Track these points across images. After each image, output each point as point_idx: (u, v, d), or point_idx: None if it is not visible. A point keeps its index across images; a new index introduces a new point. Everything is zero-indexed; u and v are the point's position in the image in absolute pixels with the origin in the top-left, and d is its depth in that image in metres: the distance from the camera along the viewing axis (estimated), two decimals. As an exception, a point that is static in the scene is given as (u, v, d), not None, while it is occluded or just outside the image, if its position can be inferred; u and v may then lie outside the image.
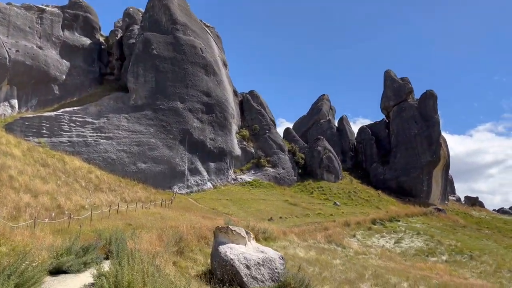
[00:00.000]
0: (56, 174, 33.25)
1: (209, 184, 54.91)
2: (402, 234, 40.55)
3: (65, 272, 11.13)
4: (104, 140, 48.43)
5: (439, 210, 58.24)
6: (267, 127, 67.34)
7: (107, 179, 39.96)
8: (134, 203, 30.65)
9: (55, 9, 60.75)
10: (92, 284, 10.01)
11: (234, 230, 14.09)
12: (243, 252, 13.66)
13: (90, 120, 49.51)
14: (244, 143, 63.72)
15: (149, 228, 20.87)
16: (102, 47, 65.89)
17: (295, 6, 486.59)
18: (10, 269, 7.68)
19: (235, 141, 62.35)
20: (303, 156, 67.54)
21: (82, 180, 35.01)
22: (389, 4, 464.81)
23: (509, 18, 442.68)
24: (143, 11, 68.23)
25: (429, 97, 77.79)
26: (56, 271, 10.93)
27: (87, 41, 62.78)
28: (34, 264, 8.91)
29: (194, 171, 53.67)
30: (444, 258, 32.87)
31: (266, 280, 13.22)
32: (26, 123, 45.22)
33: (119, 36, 68.64)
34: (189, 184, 52.49)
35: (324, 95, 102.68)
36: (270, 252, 14.38)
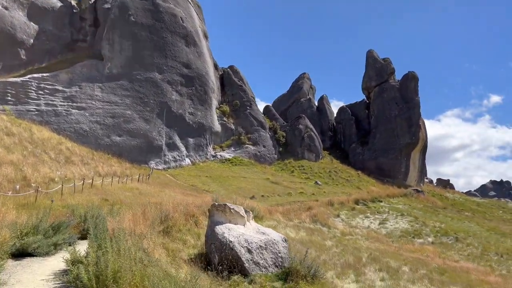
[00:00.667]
0: (22, 144, 30.36)
1: (187, 160, 52.71)
2: (386, 215, 39.89)
3: (31, 255, 9.18)
4: (76, 110, 45.24)
5: (418, 191, 58.26)
6: (248, 103, 65.19)
7: (79, 152, 37.20)
8: (109, 178, 28.33)
9: (22, -33, 55.72)
10: (65, 271, 8.01)
11: (233, 209, 12.25)
12: (243, 233, 11.86)
13: (60, 88, 46.06)
14: (224, 119, 61.48)
15: (128, 204, 18.83)
16: (74, 11, 61.28)
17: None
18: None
19: (215, 116, 60.03)
20: (284, 134, 66.00)
21: (51, 152, 32.20)
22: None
23: (481, 9, 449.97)
24: (119, -26, 63.76)
25: (411, 79, 77.21)
26: (20, 254, 8.99)
27: (57, 3, 58.20)
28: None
29: (172, 146, 51.28)
30: (430, 239, 32.25)
31: (269, 266, 11.50)
32: (-11, 88, 41.49)
33: (92, 0, 64.06)
34: (167, 159, 50.15)
35: (304, 73, 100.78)
36: (272, 234, 12.66)
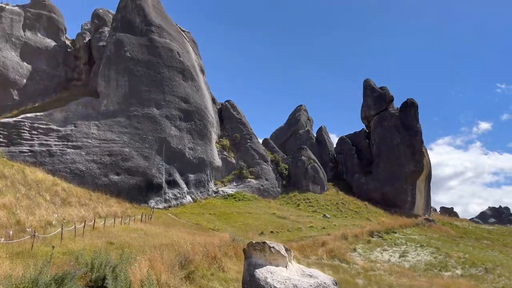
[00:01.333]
0: (15, 187, 28.06)
1: (188, 198, 50.30)
2: (404, 247, 37.46)
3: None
4: (72, 150, 43.12)
5: (429, 220, 55.99)
6: (248, 136, 63.59)
7: (76, 192, 34.83)
8: (110, 219, 25.97)
9: (16, 8, 55.27)
10: None
11: (273, 247, 10.15)
12: (288, 277, 9.73)
13: (55, 127, 44.16)
14: (225, 153, 59.61)
15: (137, 247, 16.52)
16: (68, 50, 60.56)
17: (269, 14, 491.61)
18: None
19: (215, 151, 58.16)
20: (287, 167, 64.03)
21: (46, 193, 29.85)
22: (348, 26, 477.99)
23: (464, 36, 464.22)
24: (113, 12, 63.64)
25: (410, 106, 76.61)
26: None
27: (51, 42, 57.45)
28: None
29: (172, 184, 49.01)
30: (458, 272, 29.83)
31: (325, 318, 9.35)
32: (-20, 130, 39.47)
33: (87, 39, 63.51)
34: (167, 197, 47.73)
35: (301, 105, 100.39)
36: (321, 276, 10.49)
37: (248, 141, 62.88)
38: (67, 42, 61.93)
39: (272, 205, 53.35)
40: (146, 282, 7.68)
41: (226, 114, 66.70)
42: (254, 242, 10.11)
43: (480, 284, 27.64)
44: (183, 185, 50.40)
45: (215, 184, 55.97)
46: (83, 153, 43.51)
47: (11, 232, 14.72)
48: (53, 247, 10.46)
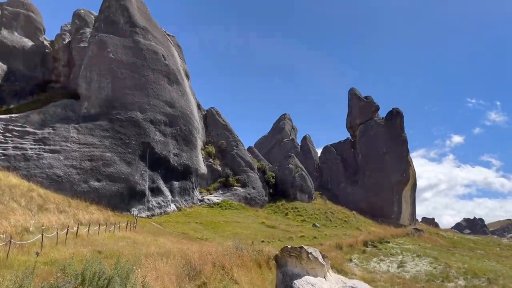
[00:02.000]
0: (-14, 191, 25.43)
1: (172, 206, 47.90)
2: (401, 257, 36.14)
3: None
4: (49, 154, 40.32)
5: (418, 230, 55.16)
6: (234, 143, 61.74)
7: (54, 199, 32.13)
8: (93, 226, 23.60)
9: (-9, 5, 52.30)
10: None
11: (311, 253, 8.43)
12: (331, 290, 8.02)
13: (31, 130, 41.34)
14: (210, 160, 57.53)
15: (130, 256, 14.45)
16: (47, 51, 57.67)
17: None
18: None
19: (201, 158, 56.02)
20: (274, 175, 62.30)
21: (21, 199, 27.21)
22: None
23: (439, 53, 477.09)
24: (95, 13, 61.31)
25: (396, 115, 76.48)
26: None
27: (28, 42, 54.58)
28: None
29: (156, 191, 46.57)
30: (461, 283, 28.59)
31: None
32: None
33: (66, 40, 60.74)
34: (150, 206, 45.24)
35: (285, 114, 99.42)
36: (365, 288, 8.83)
37: (235, 148, 61.02)
38: (46, 43, 59.07)
39: (260, 214, 51.45)
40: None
41: (212, 120, 64.75)
42: (289, 247, 8.36)
43: (485, 295, 26.48)
44: (167, 193, 48.03)
45: (200, 192, 53.73)
46: (62, 158, 40.75)
47: (-18, 238, 12.50)
48: (37, 253, 8.44)
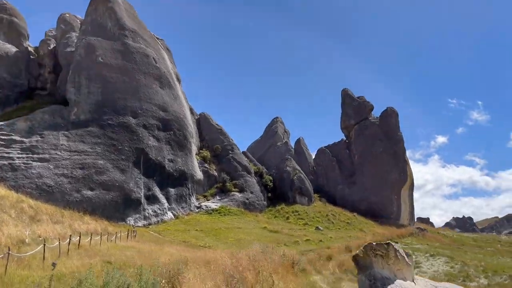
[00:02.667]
0: (-27, 203, 23.21)
1: (169, 214, 45.82)
2: (414, 257, 34.63)
3: None
4: (38, 163, 37.98)
5: (422, 230, 54.02)
6: (229, 147, 59.96)
7: (46, 210, 29.83)
8: (94, 236, 21.55)
9: (-29, 10, 49.84)
10: None
11: (398, 252, 6.78)
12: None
13: (18, 138, 39.00)
14: (206, 165, 55.60)
15: (143, 267, 12.58)
16: (31, 57, 55.22)
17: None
18: None
19: (196, 163, 54.06)
20: (271, 179, 60.59)
21: (11, 210, 24.98)
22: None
23: (419, 54, 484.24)
24: (81, 18, 59.21)
25: (391, 114, 75.65)
26: None
27: (12, 48, 52.15)
28: None
29: (152, 199, 44.47)
30: (482, 281, 27.24)
31: None
32: None
33: (52, 46, 58.39)
34: (147, 214, 43.10)
35: (277, 117, 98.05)
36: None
37: (230, 152, 59.24)
38: (30, 49, 56.63)
39: (260, 219, 49.65)
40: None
41: (205, 124, 62.90)
42: (375, 244, 6.71)
43: (511, 293, 25.17)
44: (164, 200, 45.94)
45: (197, 199, 51.72)
46: (51, 167, 38.44)
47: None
48: (53, 264, 6.58)
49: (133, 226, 37.69)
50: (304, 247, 38.19)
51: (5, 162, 36.40)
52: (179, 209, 47.55)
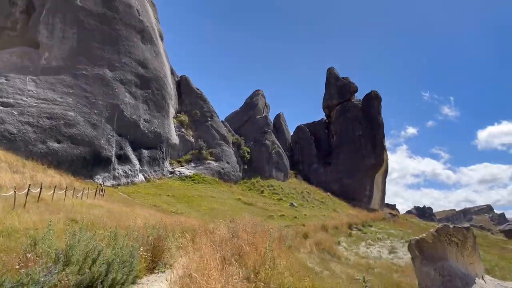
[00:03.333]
0: None
1: (141, 176, 43.60)
2: (389, 242, 34.02)
3: None
4: (1, 107, 34.72)
5: (393, 215, 54.09)
6: (209, 114, 57.61)
7: (5, 158, 27.21)
8: (53, 190, 19.28)
9: None
10: None
11: (463, 230, 5.11)
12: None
13: (-21, 77, 35.43)
14: (183, 130, 53.23)
15: (116, 228, 10.62)
16: (2, -8, 50.31)
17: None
18: None
19: (173, 126, 51.60)
20: (249, 151, 58.95)
21: (-36, 154, 22.34)
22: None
23: (394, 45, 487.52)
24: (61, -44, 54.19)
25: (374, 98, 74.81)
26: None
27: (-20, -20, 47.18)
28: None
29: (124, 159, 42.04)
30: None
31: None
32: None
33: (26, -16, 53.36)
34: (116, 174, 40.73)
35: (259, 90, 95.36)
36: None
37: (209, 119, 56.95)
38: (0, -16, 51.55)
39: (234, 190, 48.16)
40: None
41: (186, 88, 60.05)
42: (451, 226, 5.00)
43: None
44: (136, 162, 43.58)
45: (171, 164, 49.56)
46: (15, 113, 35.25)
47: None
48: None
49: (101, 185, 35.34)
50: (278, 222, 36.98)
51: (-37, 102, 33.03)
52: (151, 172, 45.35)
